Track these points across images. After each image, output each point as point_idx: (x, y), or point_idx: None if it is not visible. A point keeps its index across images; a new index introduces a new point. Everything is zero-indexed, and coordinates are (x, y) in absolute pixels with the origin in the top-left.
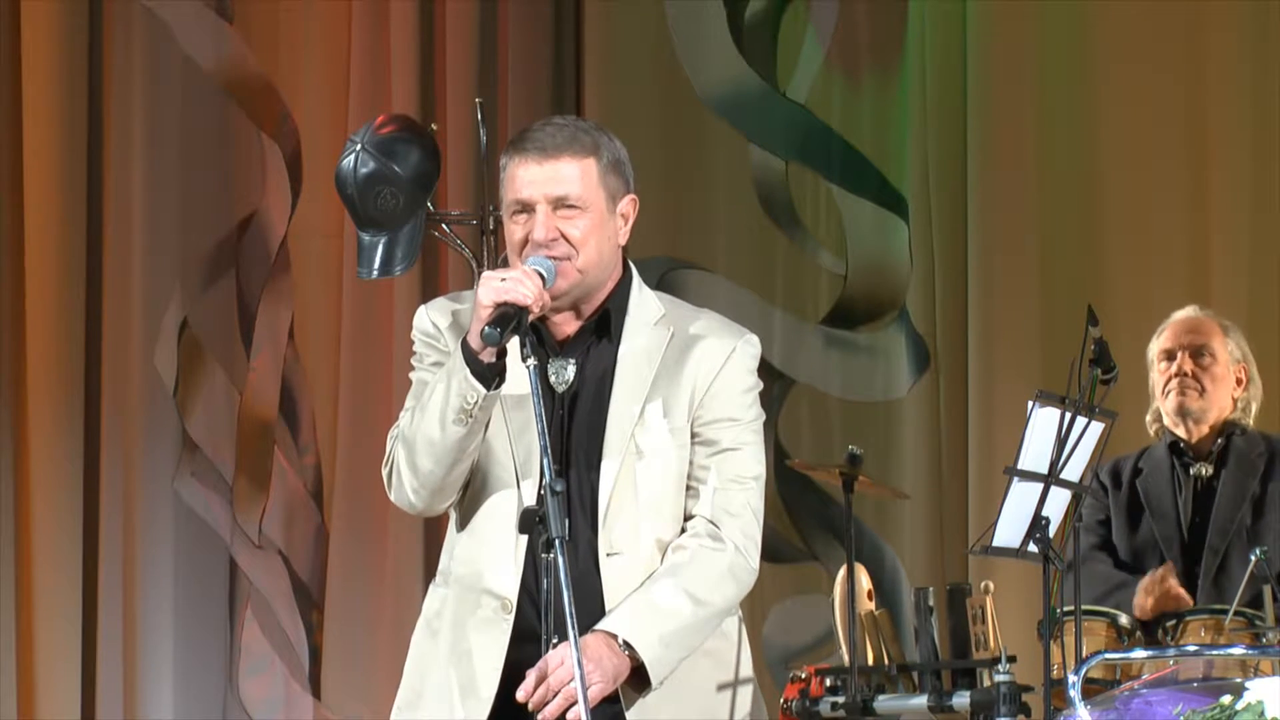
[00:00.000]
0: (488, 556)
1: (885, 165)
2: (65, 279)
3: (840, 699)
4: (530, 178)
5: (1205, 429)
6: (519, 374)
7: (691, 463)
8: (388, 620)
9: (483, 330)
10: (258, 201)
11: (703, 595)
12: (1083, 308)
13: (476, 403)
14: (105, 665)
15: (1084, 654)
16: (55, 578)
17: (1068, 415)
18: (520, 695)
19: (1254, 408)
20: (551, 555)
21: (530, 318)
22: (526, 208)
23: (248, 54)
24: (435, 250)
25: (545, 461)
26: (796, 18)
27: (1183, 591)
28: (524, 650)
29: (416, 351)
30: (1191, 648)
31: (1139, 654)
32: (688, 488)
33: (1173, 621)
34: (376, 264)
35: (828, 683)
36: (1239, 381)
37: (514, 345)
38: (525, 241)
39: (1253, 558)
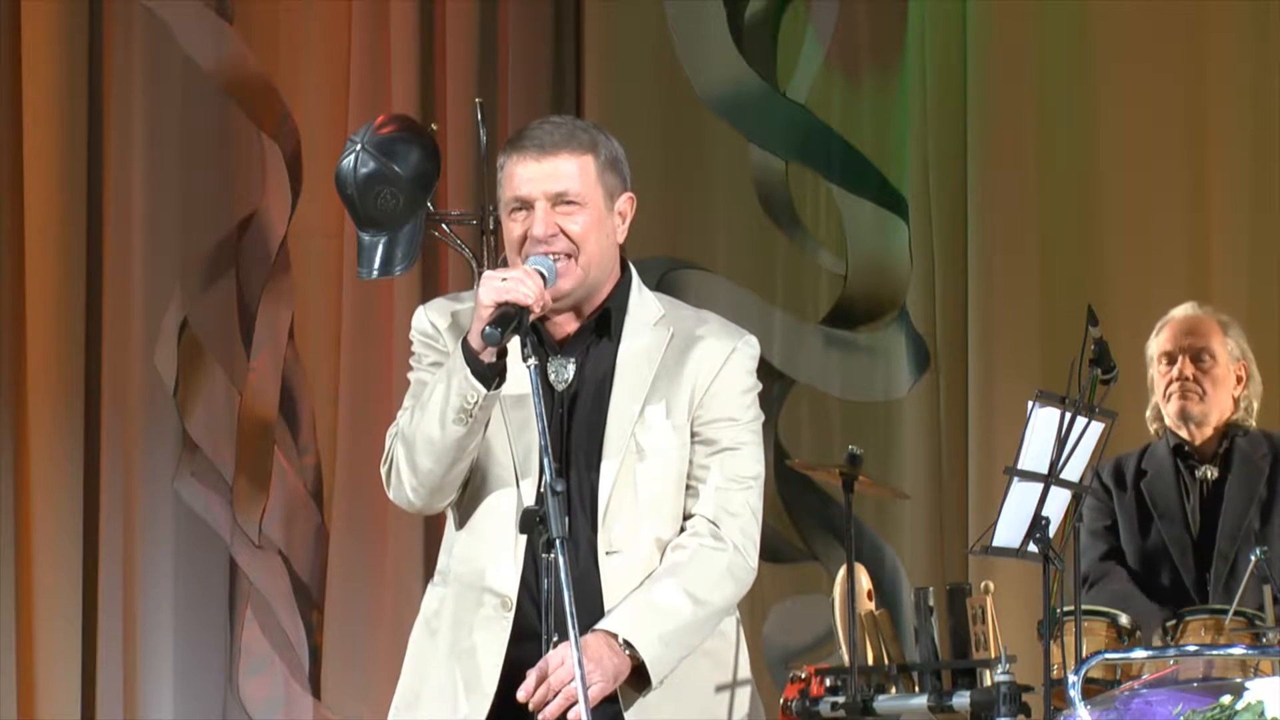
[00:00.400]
0: (487, 554)
1: (885, 165)
2: (65, 279)
3: (840, 699)
4: (529, 174)
5: (1208, 431)
6: (519, 373)
7: (691, 462)
8: (388, 620)
9: (484, 330)
10: (258, 201)
11: (702, 595)
12: (1083, 308)
13: (477, 402)
14: (105, 665)
15: (1084, 654)
16: (55, 578)
17: (1068, 415)
18: (521, 695)
19: (1255, 406)
20: (552, 555)
21: (531, 318)
22: (525, 204)
23: (248, 54)
24: (435, 250)
25: (545, 461)
26: (796, 18)
27: None
28: (524, 648)
29: (415, 352)
30: (1191, 648)
31: (1139, 654)
32: (687, 487)
33: (1173, 621)
34: (376, 264)
35: (828, 683)
36: (1239, 379)
37: (514, 345)
38: (524, 238)
39: (1253, 557)
